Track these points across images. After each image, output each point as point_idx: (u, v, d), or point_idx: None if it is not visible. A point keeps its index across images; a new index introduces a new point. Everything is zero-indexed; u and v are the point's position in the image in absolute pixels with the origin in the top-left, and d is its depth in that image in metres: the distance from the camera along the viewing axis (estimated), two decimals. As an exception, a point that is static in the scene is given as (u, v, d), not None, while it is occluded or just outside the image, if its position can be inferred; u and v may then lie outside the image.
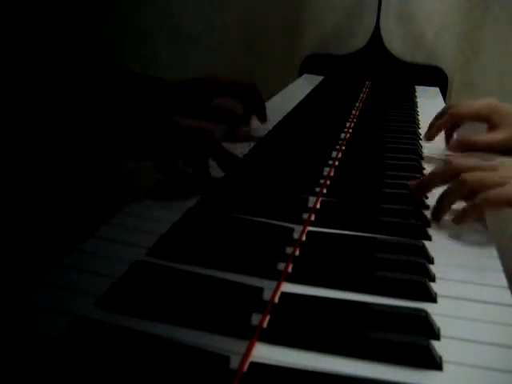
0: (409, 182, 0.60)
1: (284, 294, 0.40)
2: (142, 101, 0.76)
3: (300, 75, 1.41)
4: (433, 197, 0.58)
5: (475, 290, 0.43)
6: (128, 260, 0.42)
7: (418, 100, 1.16)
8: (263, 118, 0.82)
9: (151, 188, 0.58)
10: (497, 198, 0.50)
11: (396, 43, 1.36)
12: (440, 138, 0.81)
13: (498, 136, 0.71)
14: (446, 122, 0.79)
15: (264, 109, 0.82)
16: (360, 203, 0.57)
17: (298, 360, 0.34)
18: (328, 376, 0.32)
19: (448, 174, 0.56)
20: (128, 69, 0.80)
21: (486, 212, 0.53)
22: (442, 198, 0.54)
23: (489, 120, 0.74)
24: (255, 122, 0.83)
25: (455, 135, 0.80)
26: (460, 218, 0.52)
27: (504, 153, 0.71)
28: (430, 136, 0.80)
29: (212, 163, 0.61)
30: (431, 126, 0.81)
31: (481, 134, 0.75)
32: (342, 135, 0.83)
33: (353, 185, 0.63)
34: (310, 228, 0.51)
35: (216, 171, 0.62)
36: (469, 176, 0.53)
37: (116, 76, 0.78)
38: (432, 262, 0.46)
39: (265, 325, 0.36)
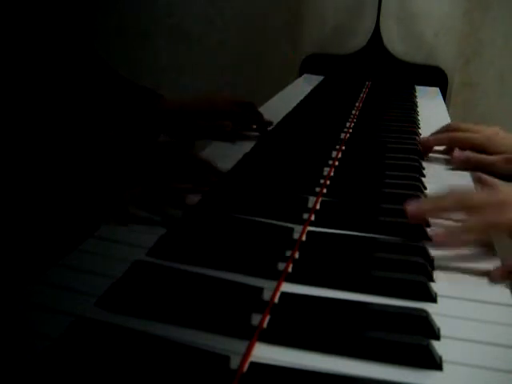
0: (407, 208, 0.52)
1: (284, 294, 0.40)
2: (139, 116, 0.76)
3: (300, 75, 1.41)
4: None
5: (475, 290, 0.43)
6: (128, 260, 0.42)
7: (418, 100, 1.16)
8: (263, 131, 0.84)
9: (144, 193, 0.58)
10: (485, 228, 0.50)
11: (396, 43, 1.36)
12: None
13: (494, 158, 0.71)
14: (444, 140, 0.77)
15: (264, 123, 0.83)
16: (360, 203, 0.57)
17: (297, 360, 0.34)
18: (328, 376, 0.32)
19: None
20: (130, 80, 0.80)
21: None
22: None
23: (485, 150, 0.73)
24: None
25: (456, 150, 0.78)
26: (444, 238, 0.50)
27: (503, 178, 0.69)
28: (427, 148, 0.78)
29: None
30: (428, 141, 0.78)
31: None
32: (342, 135, 0.83)
33: (353, 185, 0.63)
34: (309, 228, 0.51)
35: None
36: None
37: (117, 84, 0.78)
38: (432, 262, 0.46)
39: (265, 325, 0.36)
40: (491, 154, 0.72)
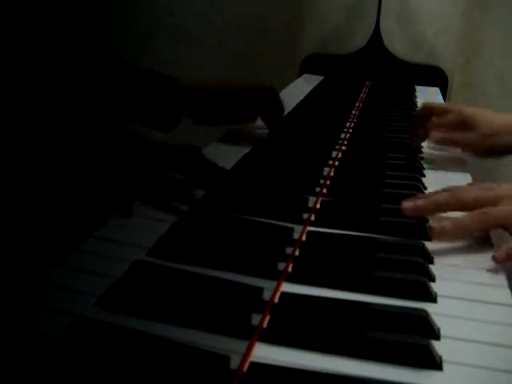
0: (403, 205, 0.53)
1: (284, 294, 0.40)
2: (151, 100, 0.76)
3: (300, 75, 1.41)
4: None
5: (475, 290, 0.43)
6: (128, 260, 0.43)
7: (418, 100, 1.16)
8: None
9: (150, 188, 0.58)
10: (483, 220, 0.50)
11: (396, 43, 1.36)
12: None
13: (471, 135, 0.72)
14: (420, 112, 0.82)
15: (282, 110, 0.85)
16: (360, 203, 0.57)
17: (297, 360, 0.34)
18: (328, 376, 0.32)
19: (452, 205, 0.53)
20: (139, 66, 0.80)
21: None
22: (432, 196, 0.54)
23: (458, 117, 0.75)
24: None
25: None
26: (441, 233, 0.50)
27: (477, 153, 0.73)
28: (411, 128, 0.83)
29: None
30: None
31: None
32: (342, 135, 0.83)
33: (353, 185, 0.63)
34: (309, 228, 0.51)
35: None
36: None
37: (124, 72, 0.78)
38: (432, 262, 0.46)
39: (265, 325, 0.36)
40: (467, 124, 0.73)
